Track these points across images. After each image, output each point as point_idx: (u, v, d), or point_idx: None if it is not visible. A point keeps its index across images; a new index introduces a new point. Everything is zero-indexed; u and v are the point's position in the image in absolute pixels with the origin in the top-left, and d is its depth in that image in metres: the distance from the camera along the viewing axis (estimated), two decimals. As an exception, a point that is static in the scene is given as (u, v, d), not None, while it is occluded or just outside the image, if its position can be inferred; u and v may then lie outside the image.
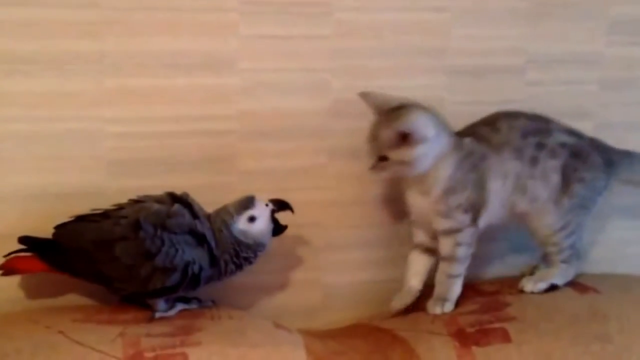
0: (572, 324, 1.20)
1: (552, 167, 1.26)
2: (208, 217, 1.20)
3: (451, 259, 1.26)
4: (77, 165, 1.26)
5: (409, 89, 1.34)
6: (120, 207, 1.19)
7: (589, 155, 1.29)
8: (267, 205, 1.20)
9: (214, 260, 1.18)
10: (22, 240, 1.16)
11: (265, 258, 1.25)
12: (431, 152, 1.19)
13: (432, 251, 1.31)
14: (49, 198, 1.25)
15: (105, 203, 1.20)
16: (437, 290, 1.29)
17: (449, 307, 1.28)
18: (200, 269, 1.17)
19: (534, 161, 1.25)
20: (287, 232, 1.24)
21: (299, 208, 1.28)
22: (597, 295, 1.29)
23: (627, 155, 1.35)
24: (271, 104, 1.32)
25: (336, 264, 1.40)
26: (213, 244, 1.17)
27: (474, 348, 1.16)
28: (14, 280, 1.23)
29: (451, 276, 1.28)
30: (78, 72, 1.22)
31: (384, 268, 1.42)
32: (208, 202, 1.24)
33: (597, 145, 1.31)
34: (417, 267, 1.32)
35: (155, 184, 1.27)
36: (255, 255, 1.21)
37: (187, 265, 1.15)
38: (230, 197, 1.25)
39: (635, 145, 1.46)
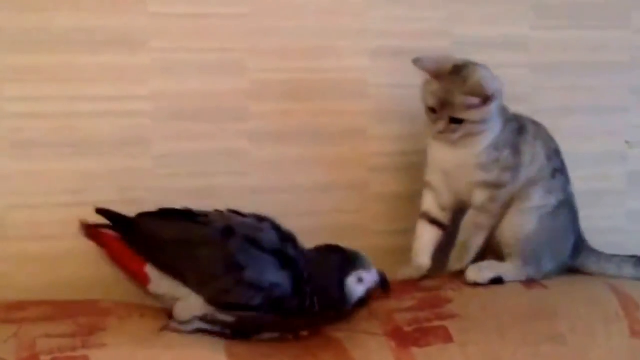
0: (520, 322, 1.13)
1: (556, 195, 1.27)
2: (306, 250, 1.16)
3: (482, 209, 1.25)
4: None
5: (329, 70, 1.34)
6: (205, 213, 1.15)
7: (574, 222, 1.32)
8: (374, 274, 1.17)
9: (298, 289, 1.12)
10: (105, 213, 1.12)
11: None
12: (498, 105, 1.22)
13: (438, 224, 1.29)
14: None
15: (6, 188, 1.15)
16: (460, 237, 1.27)
17: (467, 261, 1.26)
18: (284, 294, 1.11)
19: (554, 173, 1.27)
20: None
21: (219, 194, 1.25)
22: (544, 290, 1.21)
23: (595, 254, 1.34)
24: (186, 84, 1.28)
25: None
26: (305, 274, 1.12)
27: (413, 349, 1.08)
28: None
29: (477, 225, 1.26)
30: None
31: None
32: (121, 187, 1.20)
33: (580, 231, 1.33)
34: (425, 240, 1.30)
35: (62, 168, 1.23)
36: (337, 314, 1.15)
37: (272, 287, 1.09)
38: (145, 182, 1.22)
39: (569, 130, 1.44)
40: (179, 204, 1.25)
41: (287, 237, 1.15)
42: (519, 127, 1.26)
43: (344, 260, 1.16)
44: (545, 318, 1.13)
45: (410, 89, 1.35)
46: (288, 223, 1.30)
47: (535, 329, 1.11)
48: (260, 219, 1.16)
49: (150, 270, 1.12)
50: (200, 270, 1.09)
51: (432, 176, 1.29)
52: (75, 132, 1.23)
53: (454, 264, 1.27)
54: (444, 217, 1.29)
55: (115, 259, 1.17)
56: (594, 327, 1.13)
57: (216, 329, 1.13)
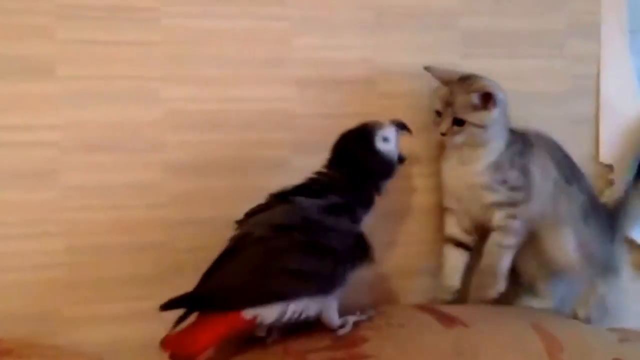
0: (438, 363, 1.07)
1: (577, 197, 1.30)
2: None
3: (504, 228, 1.25)
4: None
5: (250, 100, 1.29)
6: (238, 235, 1.11)
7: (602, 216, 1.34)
8: (391, 126, 1.19)
9: (366, 199, 1.16)
10: (173, 304, 1.03)
11: (92, 286, 1.18)
12: (500, 118, 1.24)
13: (464, 246, 1.31)
14: None
15: None
16: (485, 261, 1.25)
17: (500, 287, 1.25)
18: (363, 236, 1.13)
19: (568, 180, 1.29)
20: (116, 255, 1.20)
21: (132, 228, 1.21)
22: (464, 330, 1.16)
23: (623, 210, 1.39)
24: (97, 113, 1.22)
25: (186, 290, 1.20)
26: (343, 199, 1.12)
27: (322, 393, 1.03)
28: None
29: (501, 246, 1.25)
30: None
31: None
32: (26, 221, 1.16)
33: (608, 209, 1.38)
34: (452, 262, 1.31)
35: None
36: (390, 176, 1.19)
37: (359, 236, 1.11)
38: (53, 215, 1.17)
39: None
40: (89, 237, 1.22)
41: (315, 194, 1.12)
42: (524, 146, 1.27)
43: (360, 137, 1.17)
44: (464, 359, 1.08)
45: (336, 119, 1.32)
46: (206, 257, 1.26)
47: (450, 373, 1.06)
48: (279, 197, 1.14)
49: (250, 312, 1.06)
50: (294, 276, 1.06)
51: (449, 201, 1.30)
52: (-23, 163, 1.18)
53: (483, 292, 1.25)
54: (468, 239, 1.31)
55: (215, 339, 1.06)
56: (515, 369, 1.07)
57: (371, 311, 1.18)
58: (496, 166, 1.24)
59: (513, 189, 1.24)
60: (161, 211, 1.26)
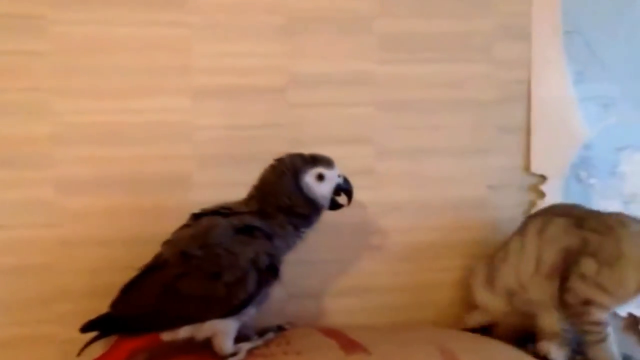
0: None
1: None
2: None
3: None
4: None
5: (148, 111, 1.23)
6: (157, 256, 1.09)
7: None
8: (339, 175, 1.10)
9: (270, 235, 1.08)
10: (90, 326, 1.05)
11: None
12: None
13: None
14: None
15: None
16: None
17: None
18: (271, 256, 1.06)
19: None
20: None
21: (17, 249, 1.16)
22: (365, 357, 1.06)
23: None
24: (-21, 128, 1.17)
25: (73, 314, 1.16)
26: (258, 223, 1.06)
27: None
28: None
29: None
30: None
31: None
32: None
33: None
34: None
35: None
36: (309, 219, 1.10)
37: (255, 262, 1.05)
38: None
39: (424, 174, 1.34)
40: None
41: (228, 212, 1.08)
42: None
43: (295, 158, 1.09)
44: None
45: (242, 130, 1.26)
46: (103, 278, 1.21)
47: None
48: (198, 216, 1.10)
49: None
50: (196, 301, 1.04)
51: None
52: None
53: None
54: None
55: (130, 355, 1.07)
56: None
57: (270, 335, 1.12)
58: None
59: None
60: (51, 231, 1.20)
